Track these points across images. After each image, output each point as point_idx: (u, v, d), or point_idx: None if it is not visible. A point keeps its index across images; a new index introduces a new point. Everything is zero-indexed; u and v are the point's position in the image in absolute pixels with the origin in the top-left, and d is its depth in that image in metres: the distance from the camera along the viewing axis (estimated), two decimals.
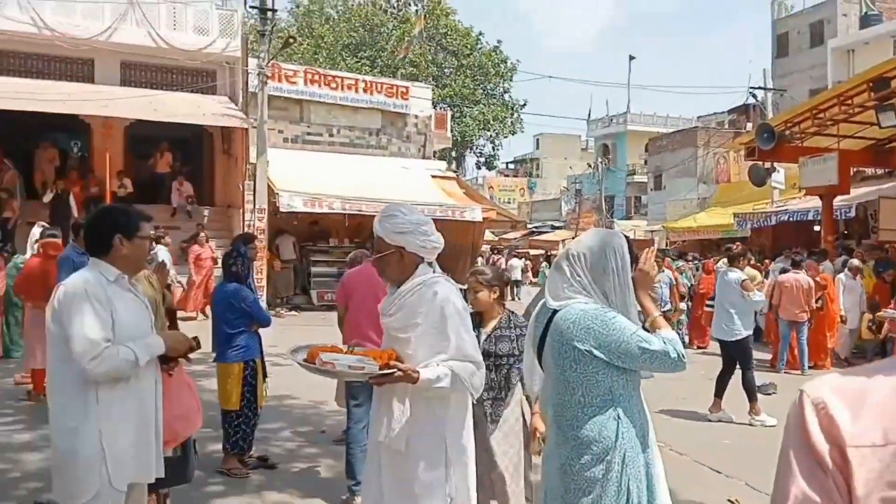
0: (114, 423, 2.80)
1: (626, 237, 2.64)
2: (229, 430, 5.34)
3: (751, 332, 7.99)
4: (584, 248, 2.55)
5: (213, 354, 5.45)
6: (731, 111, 35.44)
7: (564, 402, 2.50)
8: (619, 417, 2.44)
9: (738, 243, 13.05)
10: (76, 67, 17.26)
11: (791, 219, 18.41)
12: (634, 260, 2.58)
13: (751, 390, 7.66)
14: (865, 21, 28.38)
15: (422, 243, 2.84)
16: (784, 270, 11.36)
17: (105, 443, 2.78)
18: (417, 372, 2.68)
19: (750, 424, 7.44)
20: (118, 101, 15.64)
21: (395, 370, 2.68)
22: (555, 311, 2.54)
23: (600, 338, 2.41)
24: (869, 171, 17.72)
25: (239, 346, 5.28)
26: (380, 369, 2.70)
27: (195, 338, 3.23)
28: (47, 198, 15.55)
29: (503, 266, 20.18)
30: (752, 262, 12.35)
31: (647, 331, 2.48)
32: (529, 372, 2.80)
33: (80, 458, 2.78)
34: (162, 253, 12.12)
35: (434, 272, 2.91)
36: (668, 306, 11.69)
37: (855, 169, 16.28)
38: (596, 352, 2.41)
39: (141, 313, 2.99)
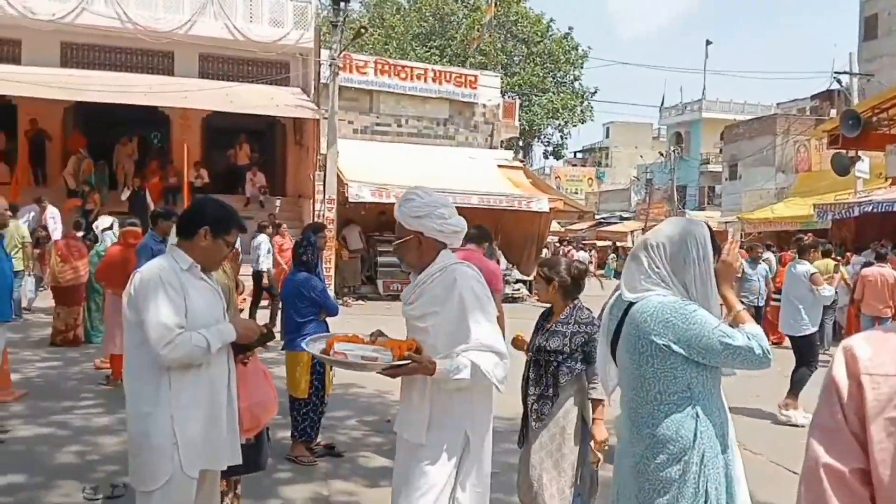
0: (185, 409, 2.84)
1: (708, 226, 2.50)
2: (297, 417, 5.40)
3: (818, 327, 7.74)
4: (663, 238, 2.43)
5: (282, 342, 5.53)
6: (813, 97, 33.96)
7: (639, 399, 2.40)
8: (697, 416, 2.32)
9: (809, 234, 12.55)
10: (157, 60, 17.83)
11: (876, 209, 17.57)
12: (716, 250, 2.45)
13: (798, 384, 7.39)
14: None
15: (439, 227, 2.72)
16: (868, 264, 10.84)
17: (177, 429, 2.81)
18: (434, 363, 2.56)
19: (775, 416, 7.20)
20: (196, 93, 16.08)
21: (409, 361, 2.57)
22: (630, 304, 2.43)
23: (679, 332, 2.29)
24: None
25: (308, 334, 5.32)
26: (394, 360, 2.58)
27: (267, 325, 3.24)
28: (125, 195, 16.23)
29: (574, 257, 19.83)
30: (833, 255, 11.82)
31: (730, 325, 2.35)
32: (603, 367, 2.67)
33: (152, 443, 2.83)
34: (264, 242, 12.40)
35: (449, 259, 2.78)
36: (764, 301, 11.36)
37: None
38: (675, 346, 2.30)
39: (213, 301, 3.03)
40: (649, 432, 2.35)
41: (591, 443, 3.60)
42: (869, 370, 1.10)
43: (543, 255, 23.17)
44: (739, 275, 10.05)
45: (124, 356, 3.07)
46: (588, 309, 3.83)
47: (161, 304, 2.79)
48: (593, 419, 3.63)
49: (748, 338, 2.28)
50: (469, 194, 17.65)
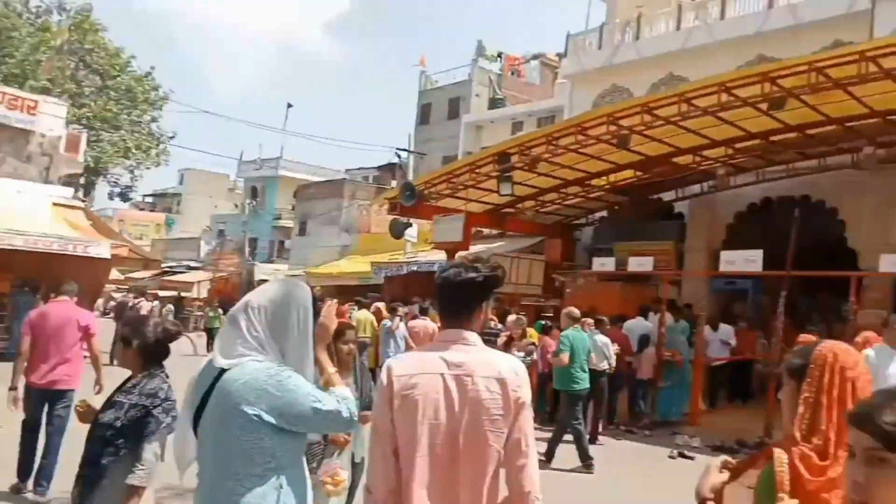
0: None
1: (311, 288, 2.48)
2: None
3: None
4: (265, 301, 2.34)
5: None
6: (380, 168, 37.78)
7: (221, 473, 2.22)
8: (281, 487, 2.22)
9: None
10: None
11: (420, 269, 20.04)
12: (317, 313, 2.43)
13: None
14: (493, 104, 32.69)
15: None
16: (415, 316, 12.29)
17: None
18: None
19: None
20: None
21: None
22: (222, 372, 2.26)
23: (272, 400, 2.19)
24: (485, 230, 20.06)
25: None
26: None
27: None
28: None
29: (145, 311, 18.24)
30: (391, 306, 12.93)
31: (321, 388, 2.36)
32: (182, 440, 2.39)
33: None
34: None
35: None
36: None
37: (475, 229, 18.29)
38: (265, 416, 2.19)
39: None
40: None
41: None
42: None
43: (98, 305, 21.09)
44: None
45: None
46: (163, 377, 3.25)
47: None
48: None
49: (338, 401, 2.28)
50: (12, 234, 15.18)
